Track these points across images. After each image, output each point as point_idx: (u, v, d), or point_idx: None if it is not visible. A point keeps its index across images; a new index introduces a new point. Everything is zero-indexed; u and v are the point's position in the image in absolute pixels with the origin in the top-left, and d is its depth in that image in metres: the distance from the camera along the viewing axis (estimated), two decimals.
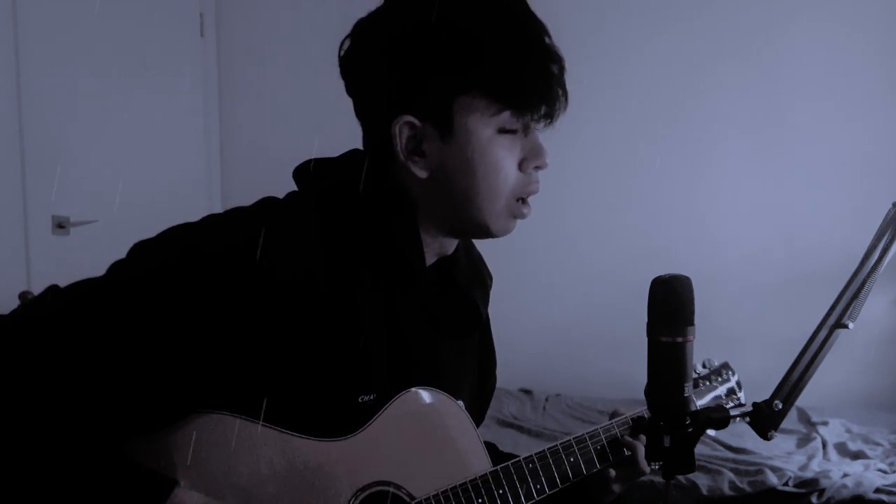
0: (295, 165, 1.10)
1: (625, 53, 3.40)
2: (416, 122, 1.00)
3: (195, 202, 3.47)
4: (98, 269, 0.99)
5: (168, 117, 3.41)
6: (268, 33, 3.67)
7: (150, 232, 1.00)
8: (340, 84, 1.08)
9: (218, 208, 0.95)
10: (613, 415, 1.27)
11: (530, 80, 0.99)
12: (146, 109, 3.22)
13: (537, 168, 1.05)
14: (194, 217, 1.02)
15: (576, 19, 3.28)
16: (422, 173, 1.02)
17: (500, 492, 1.10)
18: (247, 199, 1.06)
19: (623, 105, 3.41)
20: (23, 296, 2.36)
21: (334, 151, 1.11)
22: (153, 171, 3.26)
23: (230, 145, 3.74)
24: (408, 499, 1.06)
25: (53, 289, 0.97)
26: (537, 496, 1.13)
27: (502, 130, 1.01)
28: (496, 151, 1.01)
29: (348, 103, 1.08)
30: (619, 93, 3.40)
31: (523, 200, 1.06)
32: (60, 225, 2.84)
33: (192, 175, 3.61)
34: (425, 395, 1.08)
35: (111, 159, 3.04)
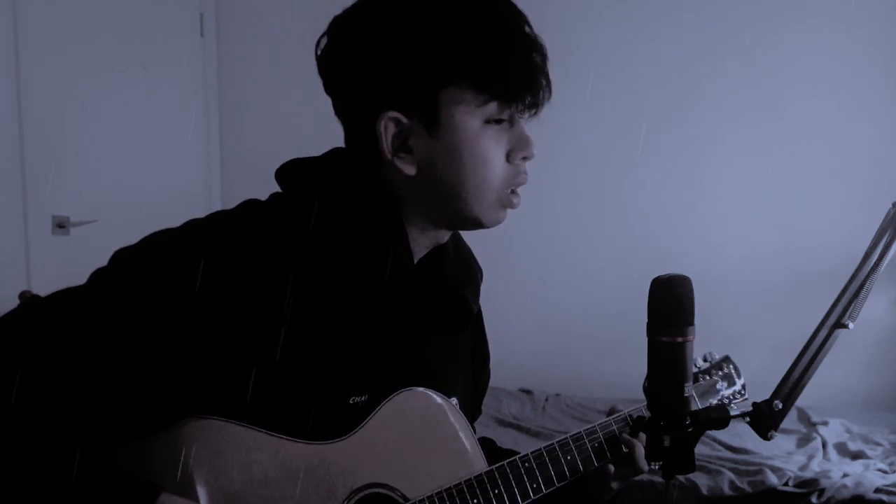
0: None
1: (625, 52, 3.40)
2: (402, 117, 0.99)
3: (195, 202, 3.47)
4: None
5: (168, 117, 3.41)
6: (268, 33, 3.67)
7: (151, 232, 1.00)
8: None
9: (218, 208, 0.96)
10: (611, 411, 1.25)
11: (514, 70, 0.98)
12: (146, 109, 3.22)
13: (525, 159, 1.04)
14: (195, 217, 1.02)
15: (575, 18, 3.27)
16: (409, 169, 1.01)
17: (496, 491, 1.09)
18: (247, 198, 1.06)
19: (624, 104, 3.41)
20: (23, 296, 2.35)
21: None
22: (153, 171, 3.26)
23: (230, 145, 3.74)
24: (402, 500, 1.05)
25: (34, 299, 0.96)
26: (533, 495, 1.12)
27: (489, 121, 1.00)
28: (484, 143, 1.00)
29: None
30: (618, 92, 3.40)
31: (513, 191, 1.05)
32: (60, 225, 2.83)
33: (193, 175, 3.61)
34: (418, 395, 1.07)
35: (111, 159, 3.04)
